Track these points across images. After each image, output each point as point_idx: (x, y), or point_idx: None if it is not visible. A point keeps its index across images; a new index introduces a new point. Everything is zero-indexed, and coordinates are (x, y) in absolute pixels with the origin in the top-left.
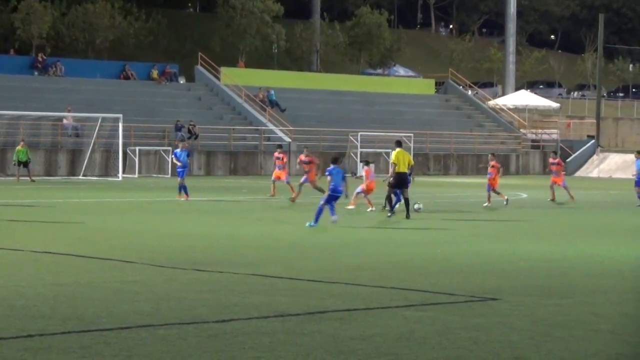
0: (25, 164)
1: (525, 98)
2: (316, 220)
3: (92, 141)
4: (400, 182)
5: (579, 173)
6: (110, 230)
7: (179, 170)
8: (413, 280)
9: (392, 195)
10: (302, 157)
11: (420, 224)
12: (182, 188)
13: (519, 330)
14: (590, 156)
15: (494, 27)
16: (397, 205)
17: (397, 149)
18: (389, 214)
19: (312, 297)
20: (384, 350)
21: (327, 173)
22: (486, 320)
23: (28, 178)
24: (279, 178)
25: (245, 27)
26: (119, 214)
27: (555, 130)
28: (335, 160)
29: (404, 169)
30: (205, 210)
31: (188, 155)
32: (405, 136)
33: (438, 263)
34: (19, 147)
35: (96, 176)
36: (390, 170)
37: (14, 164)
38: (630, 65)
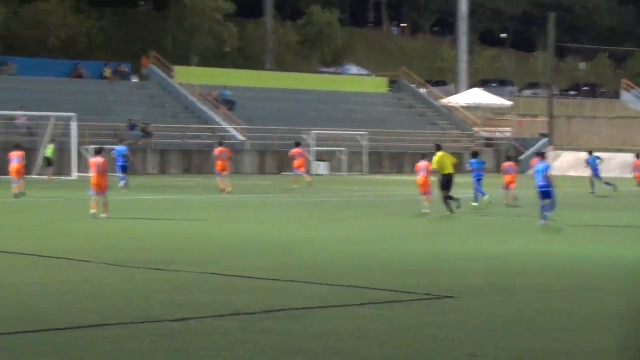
0: None
1: (478, 96)
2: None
3: (46, 140)
4: (446, 184)
5: (532, 171)
6: (67, 230)
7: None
8: (370, 278)
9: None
10: None
11: (374, 221)
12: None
13: (475, 328)
14: None
15: (446, 26)
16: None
17: (438, 153)
18: (449, 212)
19: (269, 296)
20: (340, 349)
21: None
22: (442, 318)
23: None
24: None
25: (197, 26)
26: (75, 213)
27: (508, 129)
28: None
29: (449, 170)
30: (160, 208)
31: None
32: (358, 135)
33: (394, 261)
34: None
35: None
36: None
37: None
38: (581, 64)
